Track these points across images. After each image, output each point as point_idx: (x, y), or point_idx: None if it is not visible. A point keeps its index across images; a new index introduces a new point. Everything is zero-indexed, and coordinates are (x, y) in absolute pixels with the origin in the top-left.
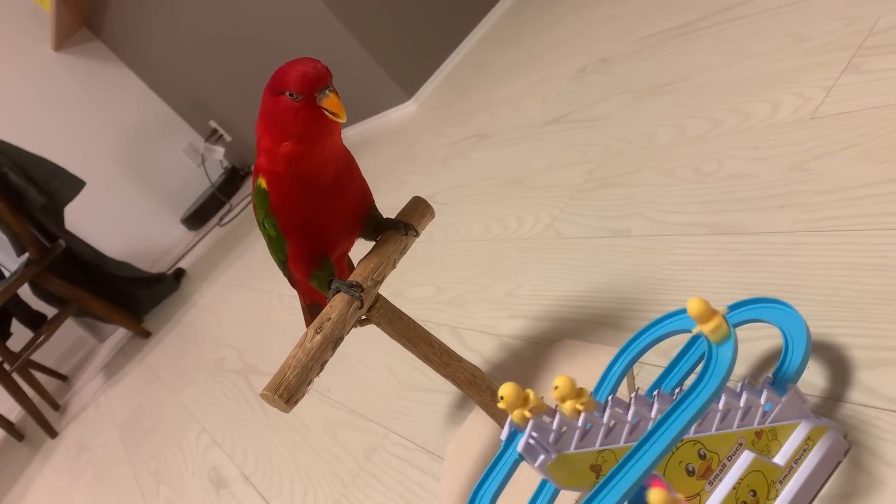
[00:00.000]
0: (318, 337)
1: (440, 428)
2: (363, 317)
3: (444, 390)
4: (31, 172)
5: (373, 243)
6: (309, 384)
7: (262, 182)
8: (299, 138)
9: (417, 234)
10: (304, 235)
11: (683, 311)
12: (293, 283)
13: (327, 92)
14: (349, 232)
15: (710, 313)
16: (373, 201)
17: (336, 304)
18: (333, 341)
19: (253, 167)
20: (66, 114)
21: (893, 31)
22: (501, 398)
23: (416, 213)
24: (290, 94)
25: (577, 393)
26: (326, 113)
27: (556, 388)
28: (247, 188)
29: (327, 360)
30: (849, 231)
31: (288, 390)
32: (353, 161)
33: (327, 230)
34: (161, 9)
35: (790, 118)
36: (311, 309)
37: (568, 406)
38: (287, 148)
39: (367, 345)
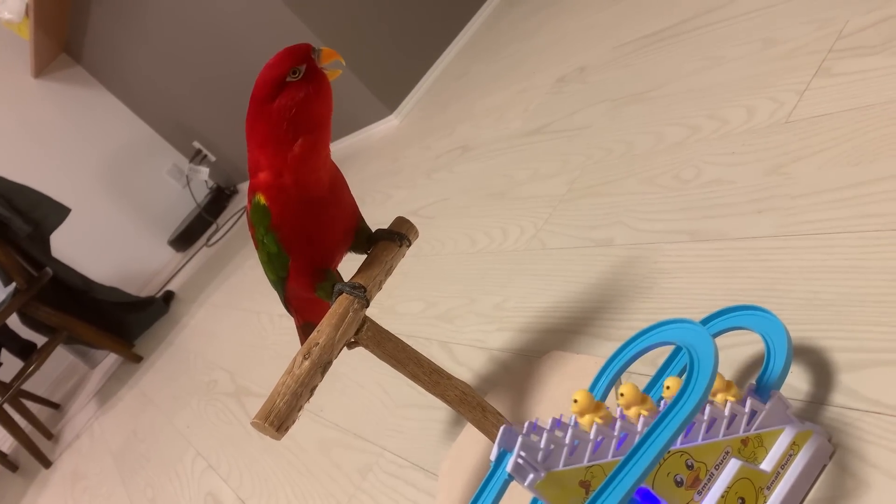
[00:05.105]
0: (307, 363)
1: (434, 445)
2: (352, 339)
3: (437, 406)
4: (15, 202)
5: (363, 257)
6: (299, 410)
7: (261, 198)
8: (313, 120)
9: (410, 244)
10: (307, 248)
11: (668, 322)
12: (286, 303)
13: (319, 49)
14: (345, 243)
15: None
16: (360, 214)
17: (341, 304)
18: (322, 366)
19: (248, 187)
20: (49, 140)
21: (861, 34)
22: (622, 395)
23: (402, 231)
24: (293, 72)
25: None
26: (328, 71)
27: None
28: (233, 207)
29: (317, 385)
30: (826, 234)
31: (279, 418)
32: (341, 173)
33: (327, 242)
34: (140, 31)
35: (765, 123)
36: (305, 329)
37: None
38: (300, 147)
39: (358, 362)
